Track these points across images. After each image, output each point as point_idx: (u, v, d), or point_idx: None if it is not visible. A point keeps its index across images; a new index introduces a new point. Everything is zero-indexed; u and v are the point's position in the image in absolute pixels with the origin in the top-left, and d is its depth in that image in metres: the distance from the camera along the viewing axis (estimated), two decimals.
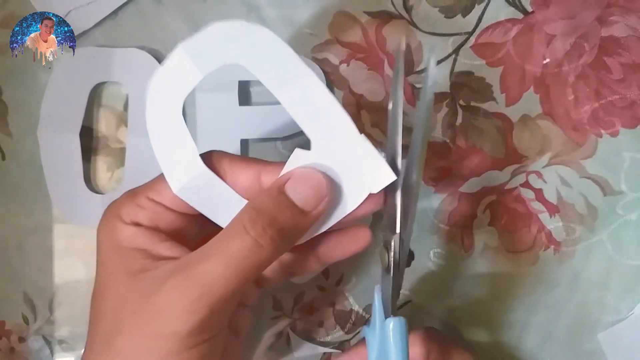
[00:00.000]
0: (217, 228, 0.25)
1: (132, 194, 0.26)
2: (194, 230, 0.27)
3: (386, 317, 0.26)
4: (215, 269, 0.23)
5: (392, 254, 0.25)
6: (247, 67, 0.25)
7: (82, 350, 0.26)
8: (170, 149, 0.26)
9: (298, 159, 0.25)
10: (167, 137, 0.26)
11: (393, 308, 0.26)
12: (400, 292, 0.35)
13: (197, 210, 0.26)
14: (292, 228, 0.24)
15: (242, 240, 0.23)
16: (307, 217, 0.25)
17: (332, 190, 0.25)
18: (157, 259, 0.25)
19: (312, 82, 0.25)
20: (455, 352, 0.31)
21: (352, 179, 0.25)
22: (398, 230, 0.25)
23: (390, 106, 0.26)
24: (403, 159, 0.25)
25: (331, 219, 0.26)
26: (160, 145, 0.26)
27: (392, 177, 0.25)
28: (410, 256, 0.26)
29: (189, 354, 0.23)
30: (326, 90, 0.25)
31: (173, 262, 0.24)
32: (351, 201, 0.25)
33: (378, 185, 0.25)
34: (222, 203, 0.26)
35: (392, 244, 0.25)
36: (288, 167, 0.25)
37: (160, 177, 0.26)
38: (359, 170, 0.25)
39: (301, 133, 0.35)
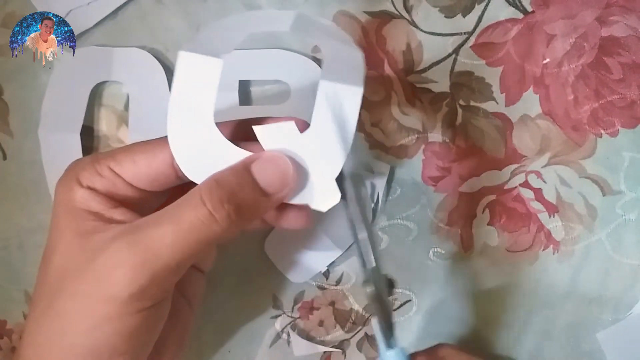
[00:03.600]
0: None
1: (94, 159, 0.26)
2: (150, 204, 0.27)
3: (387, 348, 0.26)
4: (163, 236, 0.22)
5: (371, 288, 0.25)
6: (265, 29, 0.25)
7: None
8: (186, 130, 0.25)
9: (284, 130, 0.25)
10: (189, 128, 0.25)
11: (387, 340, 0.26)
12: (401, 291, 0.35)
13: (156, 188, 0.26)
14: (250, 207, 0.24)
15: (197, 210, 0.22)
16: (268, 199, 0.24)
17: (297, 180, 0.25)
18: (109, 222, 0.24)
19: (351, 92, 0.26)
20: None
21: (316, 183, 0.26)
22: (372, 264, 0.25)
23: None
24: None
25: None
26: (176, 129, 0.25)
27: (336, 199, 0.25)
28: (391, 285, 0.26)
29: (129, 319, 0.23)
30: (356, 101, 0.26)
31: (123, 225, 0.24)
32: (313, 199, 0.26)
33: (325, 205, 0.26)
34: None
35: (370, 279, 0.25)
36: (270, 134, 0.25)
37: (125, 149, 0.26)
38: (322, 179, 0.25)
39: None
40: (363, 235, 0.25)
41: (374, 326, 0.27)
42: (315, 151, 0.25)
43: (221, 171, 0.24)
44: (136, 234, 0.23)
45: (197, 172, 0.25)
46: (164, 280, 0.23)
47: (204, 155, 0.25)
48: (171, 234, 0.22)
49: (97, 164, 0.25)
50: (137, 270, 0.22)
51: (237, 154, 0.25)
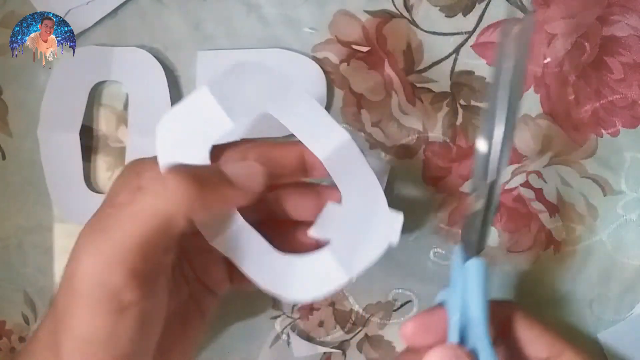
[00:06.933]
0: None
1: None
2: None
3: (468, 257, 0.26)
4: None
5: (481, 200, 0.25)
6: (279, 118, 0.25)
7: None
8: None
9: (331, 211, 0.27)
10: None
11: (478, 248, 0.26)
12: (401, 291, 0.35)
13: None
14: (213, 186, 0.24)
15: (175, 209, 0.23)
16: (233, 189, 0.25)
17: (265, 179, 0.26)
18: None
19: (347, 144, 0.26)
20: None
21: (370, 234, 0.27)
22: (491, 178, 0.24)
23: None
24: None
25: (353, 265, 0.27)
26: None
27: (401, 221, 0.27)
28: (498, 207, 0.25)
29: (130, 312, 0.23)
30: (361, 158, 0.26)
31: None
32: (368, 252, 0.27)
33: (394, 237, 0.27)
34: (255, 254, 0.26)
35: (483, 190, 0.25)
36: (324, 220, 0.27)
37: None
38: (377, 227, 0.27)
39: None
40: (498, 138, 0.24)
41: (454, 255, 0.27)
42: (357, 210, 0.27)
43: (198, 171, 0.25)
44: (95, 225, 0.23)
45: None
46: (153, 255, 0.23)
47: None
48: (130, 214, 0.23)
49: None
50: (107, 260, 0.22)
51: None
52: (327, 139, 0.26)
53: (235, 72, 0.25)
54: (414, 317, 0.27)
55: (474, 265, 0.26)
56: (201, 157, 0.25)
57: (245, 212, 0.26)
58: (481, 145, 0.25)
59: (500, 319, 0.28)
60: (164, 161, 0.25)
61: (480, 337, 0.25)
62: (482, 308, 0.25)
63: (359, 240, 0.26)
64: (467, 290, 0.26)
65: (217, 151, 0.26)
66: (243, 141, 0.27)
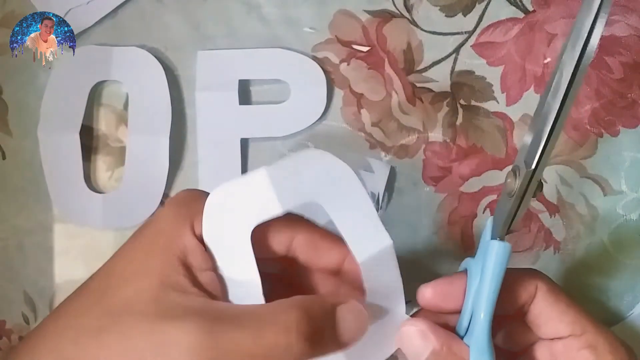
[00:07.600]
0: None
1: None
2: None
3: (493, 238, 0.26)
4: (240, 343, 0.22)
5: (519, 181, 0.24)
6: (328, 211, 0.25)
7: None
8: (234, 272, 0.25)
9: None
10: (230, 259, 0.25)
11: (502, 233, 0.25)
12: None
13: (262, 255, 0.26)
14: (323, 349, 0.24)
15: (280, 336, 0.22)
16: (339, 346, 0.24)
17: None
18: (193, 284, 0.24)
19: (387, 250, 0.26)
20: None
21: (382, 338, 0.26)
22: (534, 166, 0.24)
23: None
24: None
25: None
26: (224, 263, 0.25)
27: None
28: (539, 187, 0.24)
29: None
30: (395, 263, 0.26)
31: (202, 299, 0.23)
32: (375, 353, 0.26)
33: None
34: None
35: (522, 173, 0.24)
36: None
37: None
38: (391, 332, 0.26)
39: (301, 132, 0.35)
40: (548, 121, 0.23)
41: (487, 223, 0.26)
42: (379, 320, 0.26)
43: (311, 302, 0.24)
44: (214, 324, 0.22)
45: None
46: None
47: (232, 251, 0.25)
48: (250, 344, 0.22)
49: None
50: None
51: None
52: (368, 242, 0.26)
53: (297, 158, 0.26)
54: (435, 281, 0.27)
55: (495, 247, 0.25)
56: (243, 235, 0.25)
57: (265, 264, 0.26)
58: (533, 126, 0.24)
59: (521, 293, 0.27)
60: (209, 233, 0.25)
61: (480, 330, 0.25)
62: (491, 300, 0.25)
63: (370, 339, 0.26)
64: (484, 269, 0.25)
65: (265, 227, 0.26)
66: (289, 218, 0.26)
